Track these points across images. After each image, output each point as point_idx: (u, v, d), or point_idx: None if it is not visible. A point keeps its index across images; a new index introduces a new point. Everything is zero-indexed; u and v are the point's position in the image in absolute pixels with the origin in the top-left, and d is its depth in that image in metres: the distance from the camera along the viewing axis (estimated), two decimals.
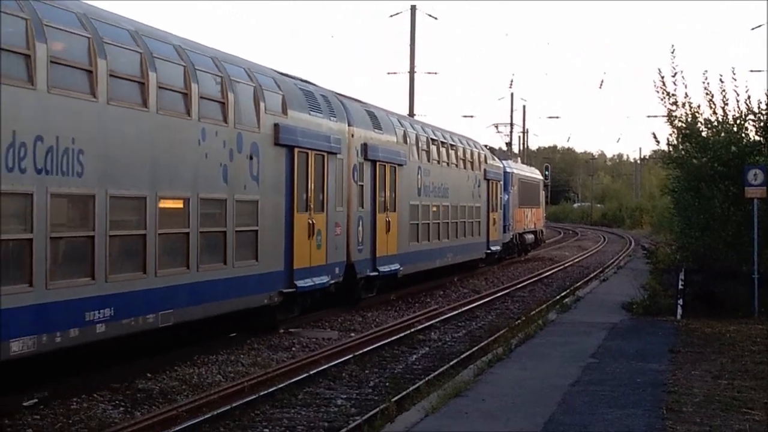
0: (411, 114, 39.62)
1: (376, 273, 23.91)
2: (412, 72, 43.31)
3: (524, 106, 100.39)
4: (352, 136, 22.60)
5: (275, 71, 19.92)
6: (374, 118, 24.71)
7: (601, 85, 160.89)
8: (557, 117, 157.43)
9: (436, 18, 53.17)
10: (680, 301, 20.13)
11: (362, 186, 23.18)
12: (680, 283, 20.57)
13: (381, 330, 19.48)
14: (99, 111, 13.04)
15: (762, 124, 22.37)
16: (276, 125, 18.31)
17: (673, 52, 22.98)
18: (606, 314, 20.58)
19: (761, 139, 22.53)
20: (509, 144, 63.38)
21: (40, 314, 11.79)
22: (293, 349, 17.44)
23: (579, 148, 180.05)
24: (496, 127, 63.04)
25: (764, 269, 20.39)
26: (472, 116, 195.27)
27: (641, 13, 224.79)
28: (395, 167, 25.45)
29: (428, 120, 32.11)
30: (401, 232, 26.05)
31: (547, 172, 60.51)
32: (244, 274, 17.11)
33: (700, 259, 22.20)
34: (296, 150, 19.07)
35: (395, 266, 25.22)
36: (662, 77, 22.69)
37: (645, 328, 18.38)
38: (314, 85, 22.07)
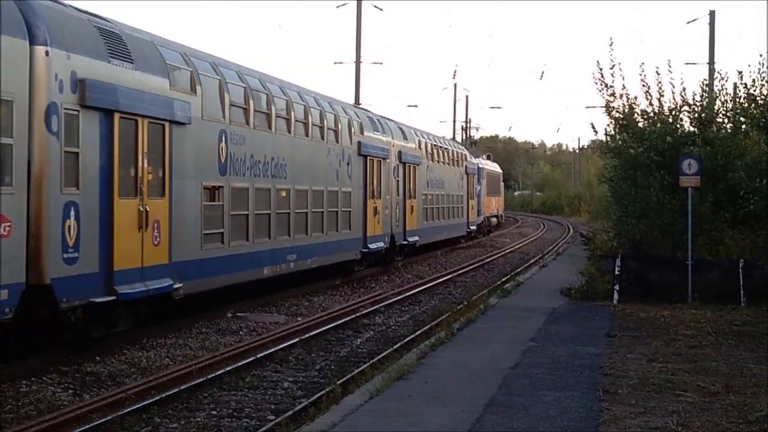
0: (357, 103, 41.11)
1: (406, 242, 33.91)
2: (358, 62, 44.03)
3: (467, 97, 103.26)
4: (392, 146, 32.53)
5: (352, 105, 29.79)
6: (403, 132, 34.69)
7: (541, 76, 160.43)
8: (499, 107, 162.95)
9: (381, 9, 58.21)
10: (617, 287, 20.47)
11: (398, 180, 33.14)
12: (617, 269, 20.70)
13: (327, 314, 20.09)
14: (292, 141, 22.90)
15: (696, 115, 23.00)
16: (359, 142, 28.22)
17: (611, 45, 23.16)
18: (545, 299, 20.92)
19: (695, 129, 23.08)
20: (474, 143, 73.36)
21: (271, 255, 21.61)
22: (241, 333, 17.79)
23: (520, 138, 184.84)
24: (464, 129, 72.69)
25: (697, 256, 20.71)
26: (416, 106, 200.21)
27: (581, 5, 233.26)
28: (415, 167, 35.48)
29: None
30: (419, 214, 36.07)
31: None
32: (344, 238, 26.98)
33: (636, 246, 22.50)
34: (368, 158, 28.98)
35: (416, 238, 35.25)
36: (601, 69, 23.15)
37: (583, 313, 18.61)
38: (369, 111, 32.02)
